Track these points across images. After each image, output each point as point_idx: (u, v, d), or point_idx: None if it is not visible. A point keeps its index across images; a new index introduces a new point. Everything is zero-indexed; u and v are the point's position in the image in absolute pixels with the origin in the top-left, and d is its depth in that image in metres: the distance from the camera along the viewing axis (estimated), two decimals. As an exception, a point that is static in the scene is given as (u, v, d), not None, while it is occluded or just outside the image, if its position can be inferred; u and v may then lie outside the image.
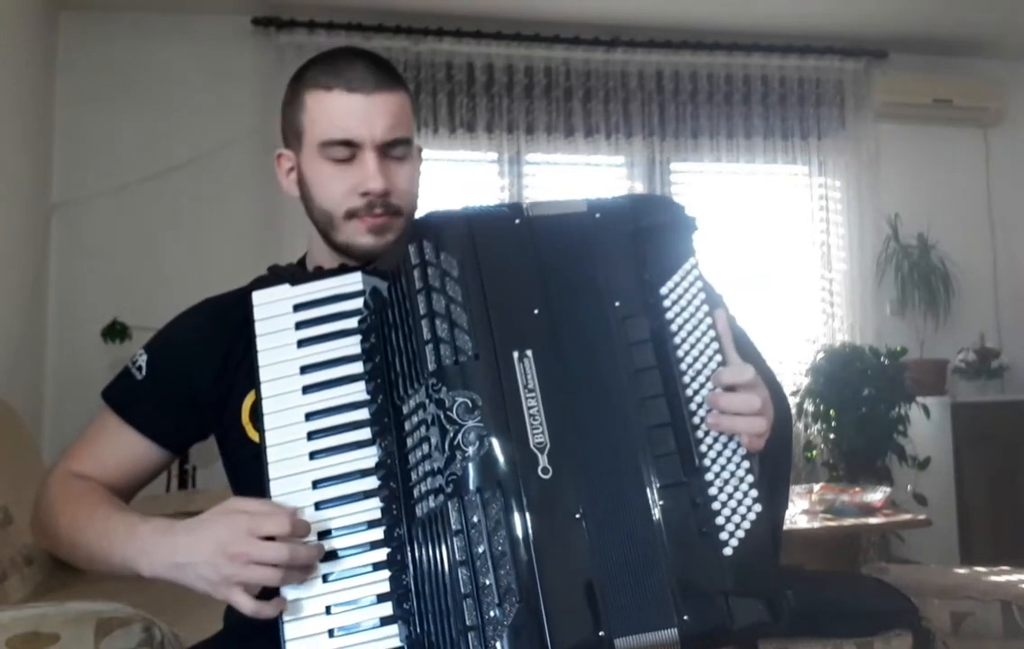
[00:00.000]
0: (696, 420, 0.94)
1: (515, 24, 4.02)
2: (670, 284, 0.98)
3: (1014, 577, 2.40)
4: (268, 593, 0.95)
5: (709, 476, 0.93)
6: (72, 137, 3.71)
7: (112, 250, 3.68)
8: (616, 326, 0.96)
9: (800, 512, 2.99)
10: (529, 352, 0.92)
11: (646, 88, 4.20)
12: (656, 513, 0.90)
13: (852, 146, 4.35)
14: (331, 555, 0.95)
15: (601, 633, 0.86)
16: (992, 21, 4.15)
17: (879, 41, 4.35)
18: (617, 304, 0.97)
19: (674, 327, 0.97)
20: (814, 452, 3.93)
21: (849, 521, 2.90)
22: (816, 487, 3.14)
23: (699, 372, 0.96)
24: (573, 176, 4.22)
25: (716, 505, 0.92)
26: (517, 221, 0.99)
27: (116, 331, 3.33)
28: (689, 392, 0.95)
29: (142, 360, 1.17)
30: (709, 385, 0.95)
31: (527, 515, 0.87)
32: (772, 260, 4.30)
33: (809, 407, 3.82)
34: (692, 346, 0.97)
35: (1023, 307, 4.47)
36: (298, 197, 1.20)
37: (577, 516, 0.89)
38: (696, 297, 0.98)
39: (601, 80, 4.15)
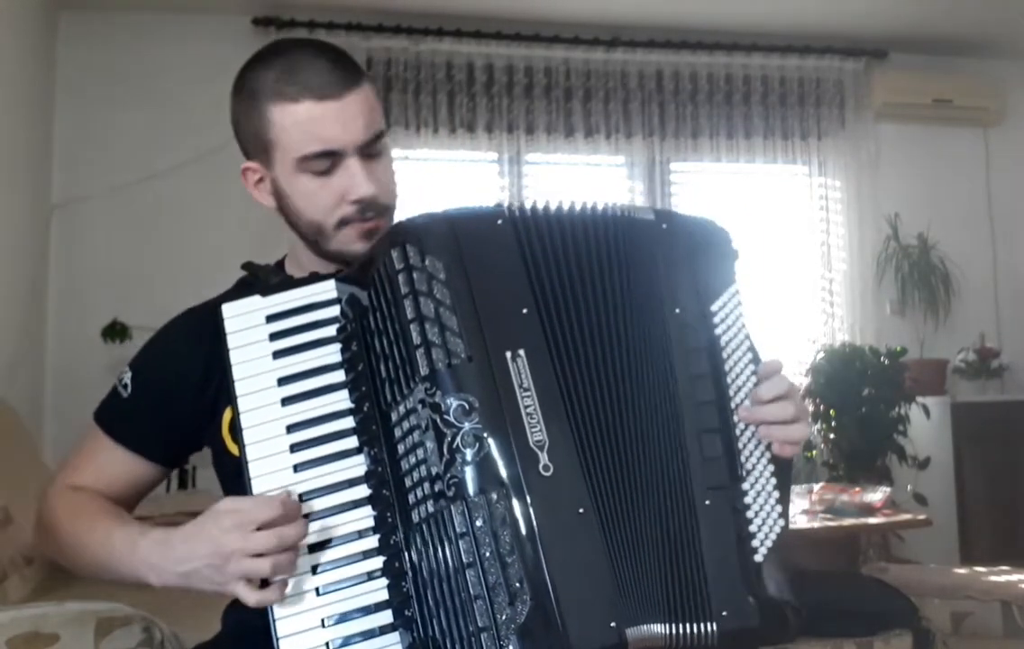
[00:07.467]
0: (737, 432, 1.00)
1: (515, 24, 4.02)
2: (719, 303, 1.05)
3: (1014, 577, 2.41)
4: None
5: (746, 486, 0.98)
6: (72, 137, 3.71)
7: (112, 250, 3.68)
8: (676, 331, 1.01)
9: (800, 512, 2.99)
10: (521, 352, 0.93)
11: (646, 88, 4.20)
12: (698, 512, 0.95)
13: (852, 146, 4.36)
14: (323, 567, 0.94)
15: (613, 624, 0.86)
16: (992, 21, 4.15)
17: (879, 41, 4.36)
18: (678, 311, 1.01)
19: (722, 342, 1.03)
20: (814, 452, 3.92)
21: (849, 521, 2.90)
22: (816, 487, 3.14)
23: (740, 387, 1.02)
24: (573, 176, 4.23)
25: (750, 514, 0.97)
26: (499, 221, 0.98)
27: (116, 331, 3.34)
28: (732, 405, 1.01)
29: (127, 377, 1.16)
30: (747, 402, 1.01)
31: (531, 513, 0.87)
32: (772, 260, 4.30)
33: (809, 407, 3.82)
34: (736, 363, 1.03)
35: (1023, 307, 4.47)
36: (274, 208, 1.16)
37: (581, 511, 0.89)
38: (738, 320, 1.06)
39: (601, 80, 4.16)
